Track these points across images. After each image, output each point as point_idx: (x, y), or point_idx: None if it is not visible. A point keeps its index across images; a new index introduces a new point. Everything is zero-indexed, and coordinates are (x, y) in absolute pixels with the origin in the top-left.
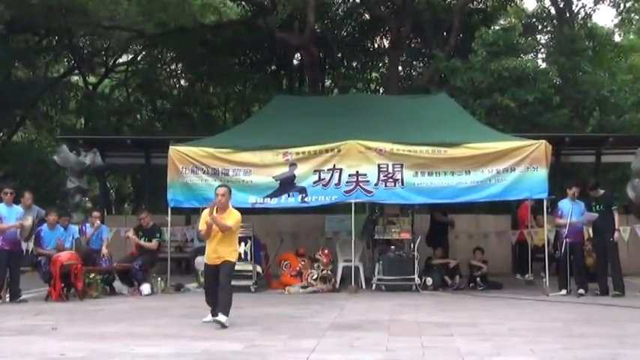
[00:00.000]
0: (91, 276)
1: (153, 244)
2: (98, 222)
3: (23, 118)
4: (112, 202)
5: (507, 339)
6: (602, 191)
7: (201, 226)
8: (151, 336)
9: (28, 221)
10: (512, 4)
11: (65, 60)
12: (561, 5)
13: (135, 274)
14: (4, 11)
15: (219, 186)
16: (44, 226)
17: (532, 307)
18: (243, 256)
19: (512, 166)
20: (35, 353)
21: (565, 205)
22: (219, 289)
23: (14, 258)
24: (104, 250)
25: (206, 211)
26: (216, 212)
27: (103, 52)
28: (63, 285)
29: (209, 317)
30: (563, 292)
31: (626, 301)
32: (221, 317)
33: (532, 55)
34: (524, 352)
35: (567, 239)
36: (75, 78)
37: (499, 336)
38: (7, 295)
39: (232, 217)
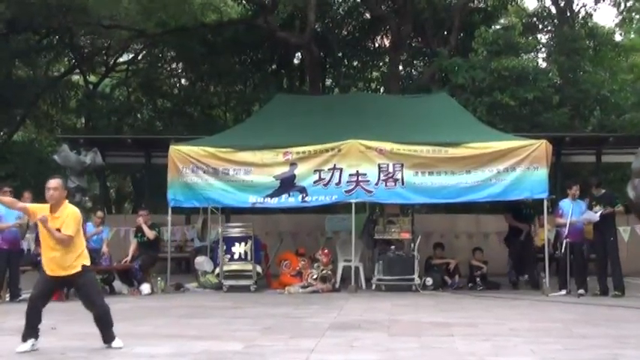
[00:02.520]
0: None
1: (151, 233)
2: (101, 221)
3: (24, 117)
4: (112, 201)
5: (507, 339)
6: (603, 190)
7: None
8: (151, 336)
9: (24, 220)
10: (513, 4)
11: (66, 59)
12: (562, 4)
13: (135, 273)
14: (4, 10)
15: (51, 178)
16: None
17: (532, 307)
18: (243, 256)
19: (512, 166)
20: (35, 352)
21: (565, 204)
22: (93, 307)
23: (14, 257)
24: (104, 250)
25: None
26: (50, 211)
27: (103, 52)
28: None
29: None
30: (563, 292)
31: (626, 302)
32: (117, 342)
33: (532, 54)
34: (525, 353)
35: (567, 239)
36: (75, 77)
37: (499, 336)
38: (7, 295)
39: (71, 220)
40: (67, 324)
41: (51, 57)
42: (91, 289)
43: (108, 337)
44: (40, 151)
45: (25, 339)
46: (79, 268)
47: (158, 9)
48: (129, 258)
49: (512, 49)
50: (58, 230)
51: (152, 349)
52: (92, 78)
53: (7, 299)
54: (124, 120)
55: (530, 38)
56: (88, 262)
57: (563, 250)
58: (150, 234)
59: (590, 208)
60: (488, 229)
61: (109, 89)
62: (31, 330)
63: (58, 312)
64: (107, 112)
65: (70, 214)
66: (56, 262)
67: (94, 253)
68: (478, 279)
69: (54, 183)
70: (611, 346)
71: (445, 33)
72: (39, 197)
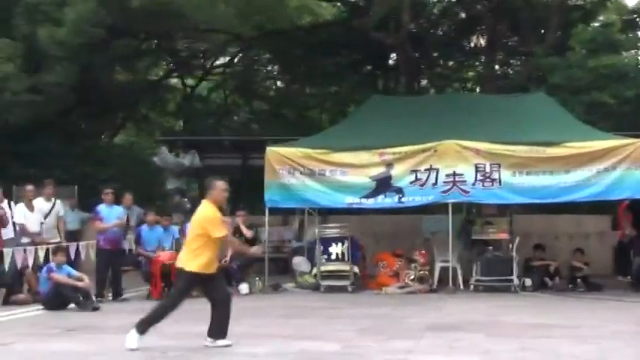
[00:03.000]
0: None
1: (249, 232)
2: None
3: (124, 120)
4: None
5: (610, 342)
6: None
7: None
8: (250, 335)
9: (123, 219)
10: (613, 0)
11: (164, 63)
12: None
13: (233, 273)
14: (105, 16)
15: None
16: (144, 226)
17: (635, 309)
18: (340, 256)
19: (612, 165)
20: (137, 351)
21: None
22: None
23: (116, 257)
24: None
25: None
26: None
27: (200, 55)
28: (163, 284)
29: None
30: None
31: None
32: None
33: (633, 51)
34: (630, 356)
35: None
36: (174, 80)
37: (602, 339)
38: (110, 294)
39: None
40: (168, 323)
41: (150, 61)
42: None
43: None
44: (140, 154)
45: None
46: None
47: (254, 13)
48: (227, 258)
49: (611, 47)
50: None
51: (252, 348)
52: (190, 81)
53: (110, 298)
54: (221, 122)
55: (630, 35)
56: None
57: None
58: (248, 233)
59: None
60: (589, 229)
61: (206, 92)
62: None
63: None
64: (205, 115)
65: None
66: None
67: None
68: (579, 280)
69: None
70: None
71: (542, 31)
72: (139, 198)
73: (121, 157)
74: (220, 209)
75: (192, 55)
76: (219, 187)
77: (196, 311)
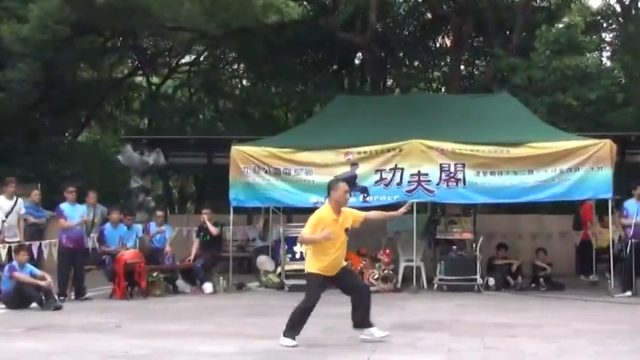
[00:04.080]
0: (154, 274)
1: (215, 229)
2: (162, 220)
3: (88, 118)
4: (174, 201)
5: (572, 341)
6: None
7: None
8: (214, 334)
9: (89, 216)
10: (577, 2)
11: (129, 61)
12: (627, 2)
13: (197, 272)
14: (69, 13)
15: (342, 182)
16: (107, 225)
17: (597, 308)
18: (304, 255)
19: (576, 166)
20: (99, 350)
21: (630, 205)
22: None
23: (78, 256)
24: (167, 249)
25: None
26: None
27: (166, 53)
28: (127, 283)
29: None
30: (628, 293)
31: None
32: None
33: (596, 53)
34: (590, 355)
35: (632, 239)
36: (139, 78)
37: (564, 338)
38: (72, 293)
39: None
40: (131, 322)
41: (115, 59)
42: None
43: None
44: (104, 152)
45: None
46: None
47: (220, 10)
48: (192, 257)
49: (574, 48)
50: (347, 230)
51: (216, 347)
52: (155, 79)
53: (73, 297)
54: (186, 121)
55: (593, 37)
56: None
57: (628, 250)
58: (214, 230)
59: None
60: (552, 229)
61: (171, 90)
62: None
63: (123, 310)
64: (170, 113)
65: (347, 212)
66: (338, 262)
67: (157, 252)
68: (542, 280)
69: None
70: None
71: (507, 32)
72: (103, 196)
73: (85, 155)
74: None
75: (158, 53)
76: (341, 188)
77: (158, 311)
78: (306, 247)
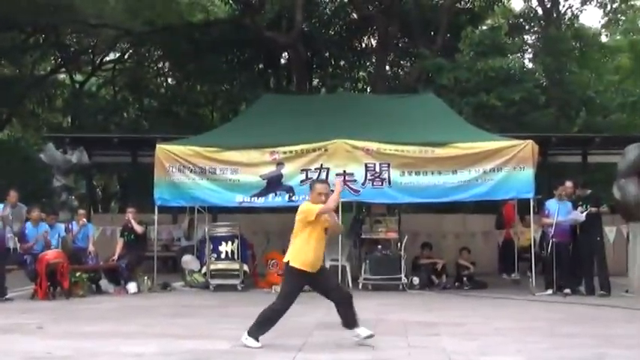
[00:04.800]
0: (77, 274)
1: (139, 227)
2: (84, 220)
3: (9, 116)
4: (98, 200)
5: (493, 338)
6: (588, 191)
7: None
8: (138, 335)
9: (7, 212)
10: (500, 4)
11: (52, 58)
12: (548, 6)
13: (121, 272)
14: None
15: (319, 182)
16: (28, 224)
17: (518, 306)
18: (230, 255)
19: (498, 166)
20: (20, 352)
21: (552, 204)
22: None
23: (0, 256)
24: (90, 249)
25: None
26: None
27: (90, 50)
28: (49, 283)
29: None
30: (549, 291)
31: (612, 301)
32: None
33: (519, 55)
34: (511, 352)
35: (553, 239)
36: (62, 76)
37: (485, 335)
38: None
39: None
40: (54, 323)
41: (37, 56)
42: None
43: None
44: (26, 150)
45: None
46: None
47: (145, 8)
48: (115, 257)
49: (498, 50)
50: (326, 230)
51: (139, 348)
52: (78, 77)
53: None
54: (110, 119)
55: (516, 39)
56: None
57: (549, 250)
58: (138, 228)
59: (575, 208)
60: (475, 229)
61: (95, 88)
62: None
63: (45, 311)
64: (93, 111)
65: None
66: (318, 260)
67: (81, 252)
68: (465, 279)
69: (326, 188)
70: (597, 345)
71: (432, 33)
72: (25, 196)
73: (6, 152)
74: None
75: (81, 50)
76: (316, 190)
77: (81, 311)
78: (292, 239)
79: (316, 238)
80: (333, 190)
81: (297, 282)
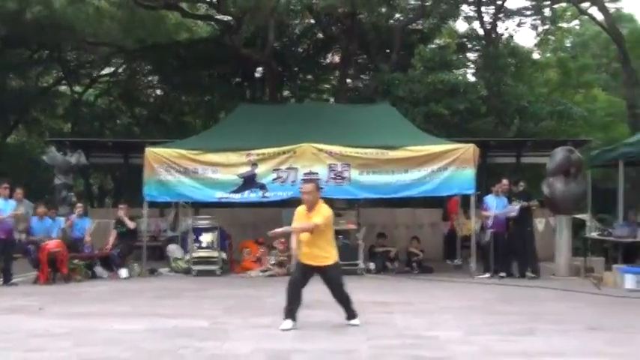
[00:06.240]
0: (75, 262)
1: (132, 223)
2: (81, 210)
3: (16, 122)
4: (94, 196)
5: (439, 316)
6: (521, 188)
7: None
8: (128, 314)
9: (21, 210)
10: (446, 26)
11: (54, 71)
12: (488, 27)
13: (114, 260)
14: (0, 27)
15: (304, 183)
16: (34, 218)
17: (460, 288)
18: (210, 244)
19: (444, 166)
20: (24, 329)
21: (490, 199)
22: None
23: (8, 246)
24: (87, 239)
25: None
26: (306, 211)
27: (87, 65)
28: (50, 270)
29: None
30: (487, 275)
31: (540, 283)
32: (356, 321)
33: (463, 70)
34: (453, 327)
35: (491, 229)
36: (62, 87)
37: (432, 313)
38: (1, 279)
39: (320, 213)
40: (54, 304)
41: (41, 69)
42: (338, 280)
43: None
44: (30, 152)
45: (286, 317)
46: (329, 262)
47: (136, 28)
48: (109, 246)
49: (445, 66)
50: (317, 226)
51: (130, 326)
52: (77, 88)
53: (1, 283)
54: (105, 125)
55: (461, 56)
56: (337, 258)
57: (487, 238)
58: (131, 224)
59: (509, 202)
60: (423, 220)
61: (92, 98)
62: (290, 312)
63: (46, 294)
64: (90, 119)
65: (321, 209)
66: (309, 255)
67: (78, 241)
68: (415, 264)
69: (308, 188)
70: (527, 320)
71: (388, 51)
72: (29, 193)
73: (13, 155)
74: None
75: (80, 65)
76: (302, 189)
77: (78, 294)
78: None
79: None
80: (321, 188)
81: (296, 267)
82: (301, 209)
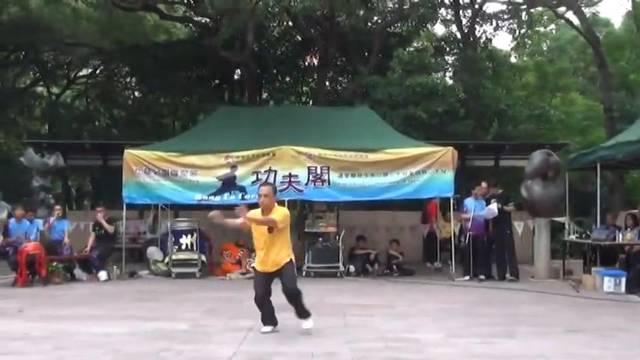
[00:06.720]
0: (53, 264)
1: (110, 227)
2: (59, 212)
3: None
4: (73, 198)
5: (419, 318)
6: (500, 190)
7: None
8: (108, 317)
9: (3, 215)
10: (425, 29)
11: (31, 73)
12: (466, 31)
13: (93, 262)
14: None
15: (262, 185)
16: (12, 220)
17: (440, 290)
18: (189, 246)
19: (423, 169)
20: (3, 332)
21: (469, 202)
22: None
23: None
24: (65, 241)
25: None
26: (262, 214)
27: (65, 66)
28: (28, 272)
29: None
30: (467, 277)
31: (520, 285)
32: (308, 323)
33: (441, 73)
34: (432, 330)
35: (470, 232)
36: (40, 89)
37: (412, 316)
38: None
39: (279, 213)
40: (32, 307)
41: (18, 70)
42: (294, 278)
43: (301, 314)
44: (7, 154)
45: (265, 324)
46: (286, 260)
47: (114, 29)
48: (88, 248)
49: (424, 69)
50: (270, 230)
51: (109, 329)
52: (55, 89)
53: None
54: (83, 127)
55: (439, 59)
56: (293, 257)
57: (466, 241)
58: (109, 228)
59: (488, 204)
60: (403, 223)
61: (70, 100)
62: (268, 319)
63: (24, 296)
64: (68, 120)
65: (278, 209)
66: (272, 261)
67: (57, 244)
68: (395, 267)
69: (265, 190)
70: (506, 323)
71: (366, 54)
72: (7, 195)
73: None
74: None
75: (58, 66)
76: (259, 191)
77: (57, 297)
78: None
79: (259, 241)
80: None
81: (255, 278)
82: (257, 212)
